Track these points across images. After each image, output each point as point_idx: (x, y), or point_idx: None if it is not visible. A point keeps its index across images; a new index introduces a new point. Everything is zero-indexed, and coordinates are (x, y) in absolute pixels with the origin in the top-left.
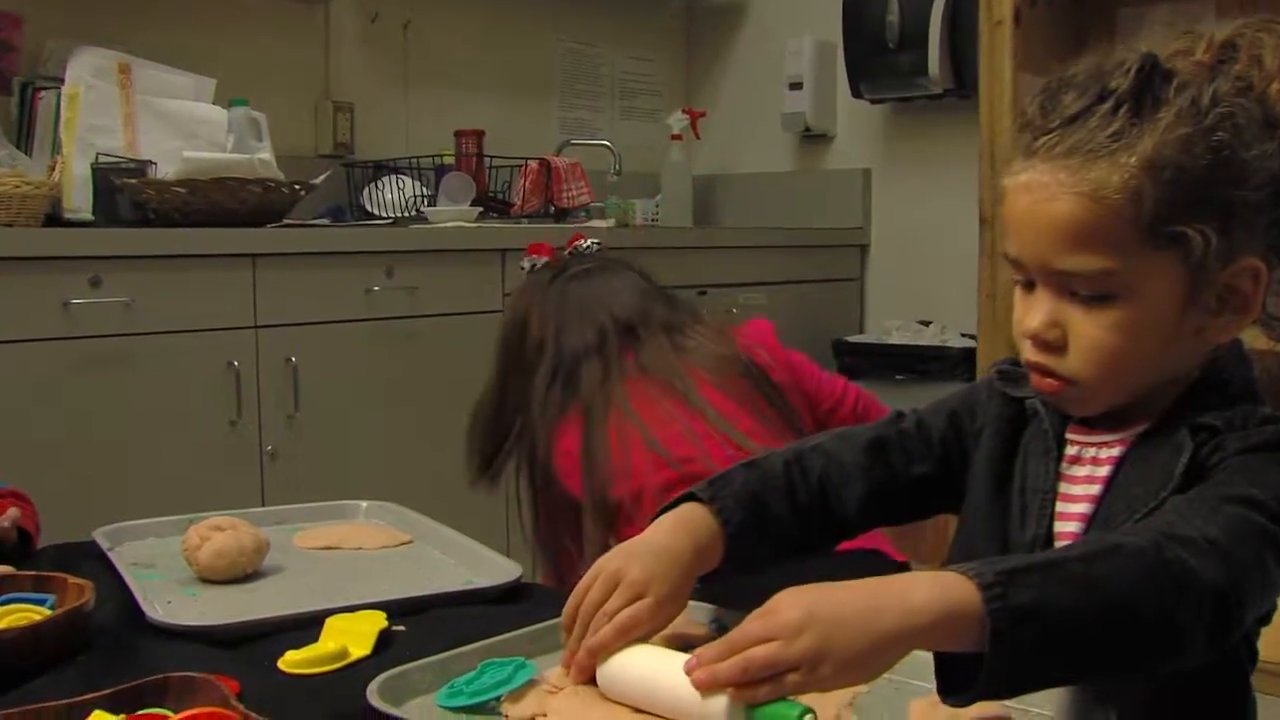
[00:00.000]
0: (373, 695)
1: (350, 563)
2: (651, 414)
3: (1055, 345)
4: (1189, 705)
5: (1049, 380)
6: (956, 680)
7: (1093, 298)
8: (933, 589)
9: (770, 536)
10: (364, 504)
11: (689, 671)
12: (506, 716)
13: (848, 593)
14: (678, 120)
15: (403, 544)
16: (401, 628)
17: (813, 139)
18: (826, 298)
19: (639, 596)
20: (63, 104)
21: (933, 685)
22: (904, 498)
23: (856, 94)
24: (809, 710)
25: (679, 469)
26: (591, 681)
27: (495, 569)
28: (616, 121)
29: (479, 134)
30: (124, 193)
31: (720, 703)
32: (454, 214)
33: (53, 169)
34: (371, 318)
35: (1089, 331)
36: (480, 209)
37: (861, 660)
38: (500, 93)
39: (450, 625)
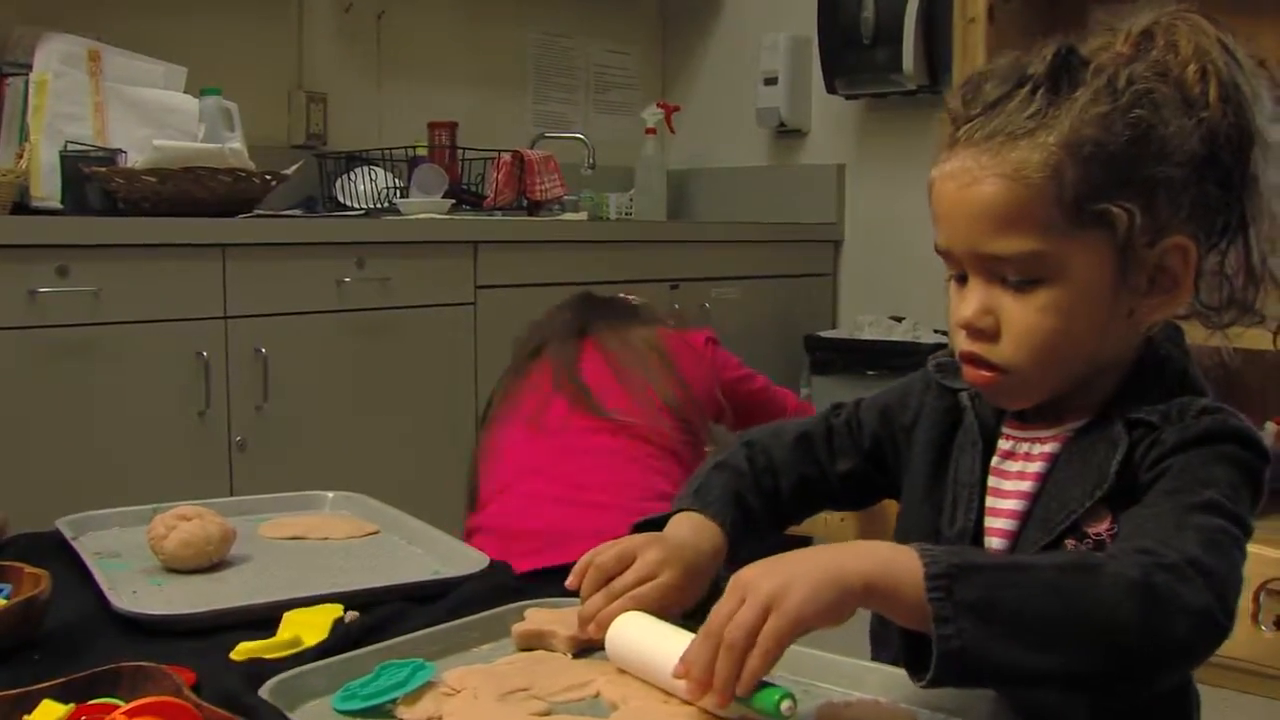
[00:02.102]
0: (265, 697)
1: (316, 553)
2: (534, 383)
3: (988, 333)
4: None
5: (983, 372)
6: (921, 661)
7: (1023, 282)
8: (885, 561)
9: (753, 528)
10: (330, 494)
11: (678, 676)
12: (402, 719)
13: (804, 551)
14: (652, 114)
15: (369, 534)
16: (355, 613)
17: (787, 134)
18: (799, 293)
19: (651, 577)
20: (31, 91)
21: (841, 689)
22: (833, 490)
23: (831, 89)
24: (789, 694)
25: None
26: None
27: (463, 559)
28: (591, 115)
29: (452, 126)
30: (93, 181)
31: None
32: (426, 206)
33: (20, 157)
34: (342, 309)
35: (1021, 316)
36: (453, 201)
37: (825, 583)
38: (474, 84)
39: (412, 616)
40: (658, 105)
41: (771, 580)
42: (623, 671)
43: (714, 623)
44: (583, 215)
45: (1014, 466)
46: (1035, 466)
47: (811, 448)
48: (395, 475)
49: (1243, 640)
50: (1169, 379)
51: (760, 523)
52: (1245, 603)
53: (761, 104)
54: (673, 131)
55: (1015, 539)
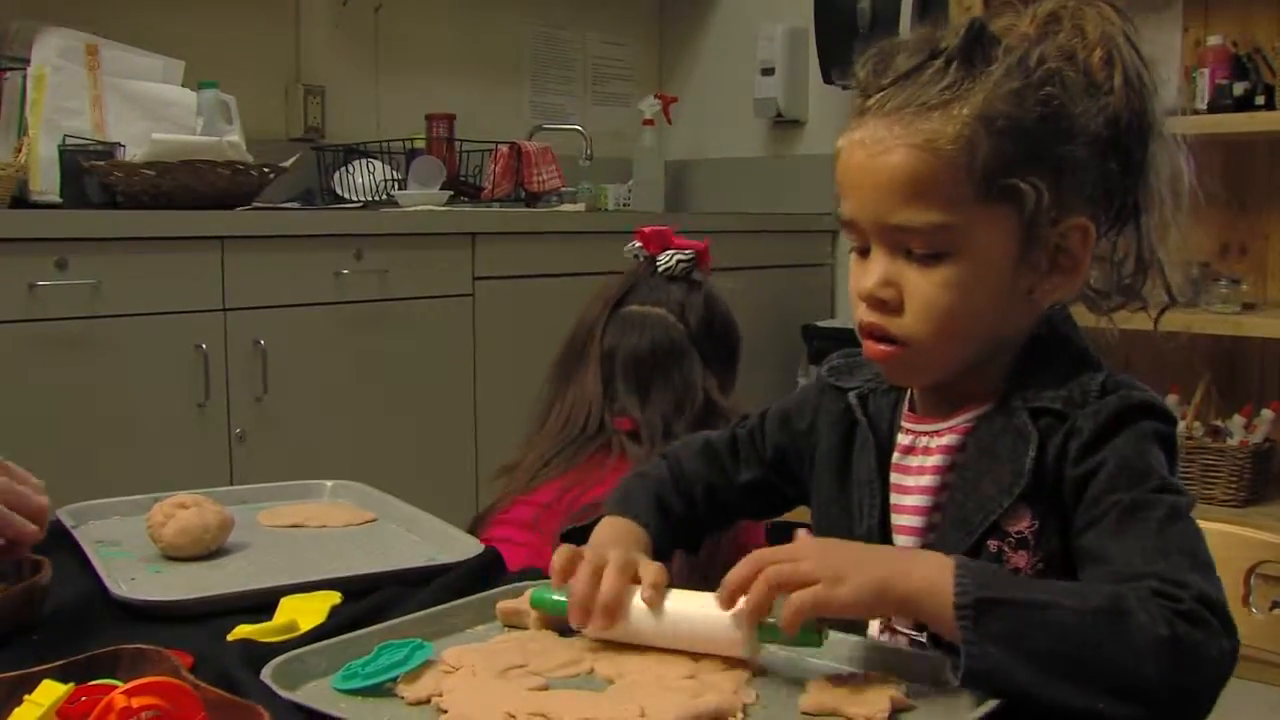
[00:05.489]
0: (267, 679)
1: (314, 540)
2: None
3: (890, 305)
4: None
5: (881, 346)
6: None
7: (927, 256)
8: (928, 585)
9: (678, 532)
10: (329, 483)
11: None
12: (403, 697)
13: (862, 548)
14: (650, 105)
15: (367, 522)
16: (339, 599)
17: (784, 124)
18: (798, 283)
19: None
20: (29, 85)
21: (832, 664)
22: (740, 500)
23: (828, 79)
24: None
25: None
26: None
27: (460, 546)
28: (588, 106)
29: (450, 118)
30: (92, 175)
31: (739, 630)
32: (424, 198)
33: (19, 151)
34: (341, 301)
35: (924, 290)
36: (450, 193)
37: (873, 590)
38: (471, 77)
39: (407, 600)
40: (655, 96)
41: (830, 563)
42: (610, 645)
43: (765, 556)
44: (580, 206)
45: (914, 462)
46: (934, 460)
47: (716, 457)
48: (394, 465)
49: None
50: (1062, 358)
51: (683, 526)
52: (1235, 586)
53: (759, 94)
54: (670, 123)
55: (925, 536)
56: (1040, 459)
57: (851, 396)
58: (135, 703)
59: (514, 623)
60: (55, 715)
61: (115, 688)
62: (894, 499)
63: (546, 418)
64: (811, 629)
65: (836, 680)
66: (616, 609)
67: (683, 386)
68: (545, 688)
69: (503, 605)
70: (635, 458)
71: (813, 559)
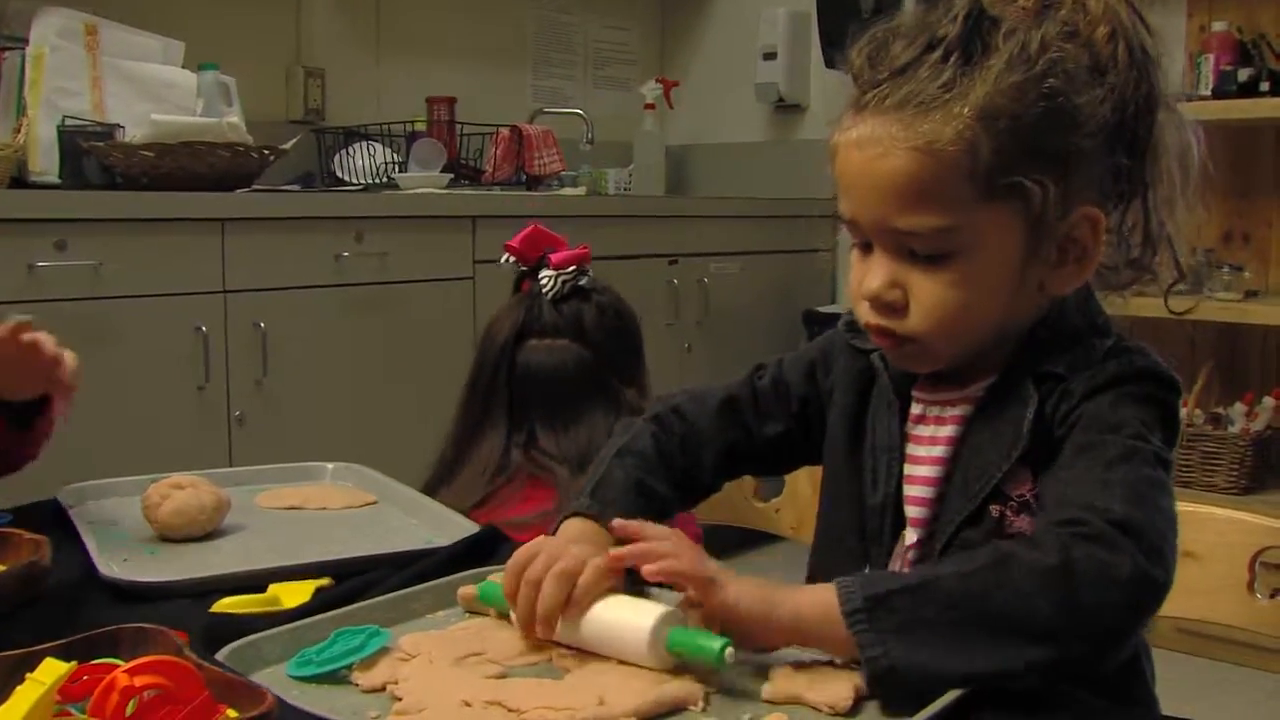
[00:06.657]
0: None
1: (311, 522)
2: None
3: (896, 306)
4: None
5: (889, 340)
6: None
7: (932, 257)
8: (811, 602)
9: (657, 512)
10: (330, 466)
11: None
12: (357, 685)
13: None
14: (651, 89)
15: (367, 505)
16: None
17: (786, 109)
18: (798, 268)
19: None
20: (28, 65)
21: (794, 650)
22: (761, 455)
23: (830, 64)
24: (729, 642)
25: None
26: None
27: (458, 529)
28: (590, 90)
29: (451, 101)
30: (91, 155)
31: (646, 625)
32: (424, 180)
33: (18, 131)
34: (341, 284)
35: (931, 290)
36: (451, 176)
37: (757, 598)
38: (473, 60)
39: (391, 583)
40: (656, 81)
41: (721, 574)
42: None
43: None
44: (581, 190)
45: (926, 431)
46: (947, 430)
47: (739, 412)
48: (394, 449)
49: (1238, 610)
50: (1074, 325)
51: (670, 505)
52: (1239, 574)
53: (760, 79)
54: (671, 107)
55: (934, 506)
56: (1039, 421)
57: (875, 358)
58: (138, 682)
59: (476, 608)
60: (57, 694)
61: (117, 667)
62: (906, 469)
63: (455, 471)
64: (716, 652)
65: (800, 668)
66: (548, 623)
67: (602, 417)
68: (504, 676)
69: (464, 590)
70: (562, 482)
71: (704, 568)
